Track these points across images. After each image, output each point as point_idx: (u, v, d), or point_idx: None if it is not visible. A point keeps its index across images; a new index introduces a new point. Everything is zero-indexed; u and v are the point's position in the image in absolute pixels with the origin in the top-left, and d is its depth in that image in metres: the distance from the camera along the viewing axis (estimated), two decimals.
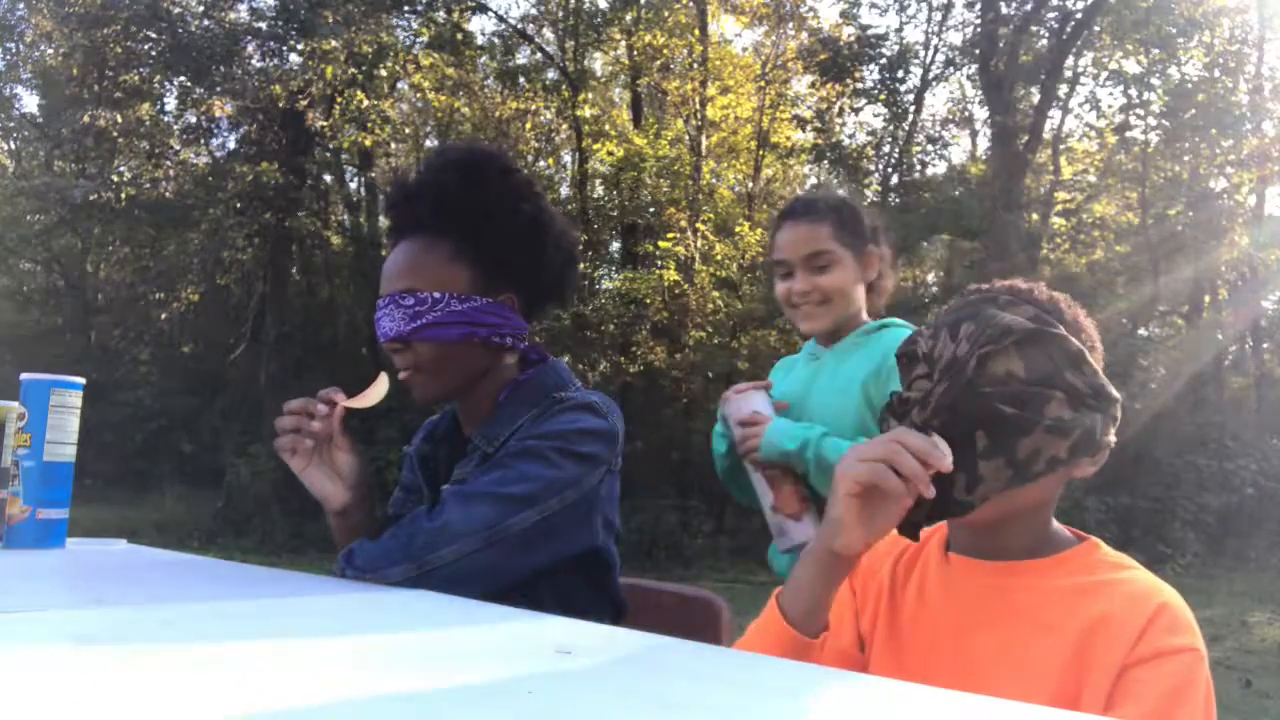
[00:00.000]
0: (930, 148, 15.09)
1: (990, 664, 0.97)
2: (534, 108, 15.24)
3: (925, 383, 0.99)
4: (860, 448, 0.95)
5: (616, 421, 1.30)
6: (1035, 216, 14.04)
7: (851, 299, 1.74)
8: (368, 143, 13.82)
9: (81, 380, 1.34)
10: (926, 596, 1.06)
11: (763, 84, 15.14)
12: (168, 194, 13.73)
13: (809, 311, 1.75)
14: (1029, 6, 13.18)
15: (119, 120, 12.57)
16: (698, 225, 13.78)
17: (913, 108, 14.72)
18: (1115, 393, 0.98)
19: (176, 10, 13.16)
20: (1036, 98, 13.59)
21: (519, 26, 15.36)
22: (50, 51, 15.91)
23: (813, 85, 14.70)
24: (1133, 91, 14.03)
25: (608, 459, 1.28)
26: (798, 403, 1.72)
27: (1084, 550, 1.02)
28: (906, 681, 1.01)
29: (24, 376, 1.28)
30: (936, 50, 14.82)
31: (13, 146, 20.09)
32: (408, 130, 16.35)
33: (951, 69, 14.99)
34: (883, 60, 14.14)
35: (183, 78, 13.32)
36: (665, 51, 14.71)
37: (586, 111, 14.67)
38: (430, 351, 1.27)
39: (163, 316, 15.78)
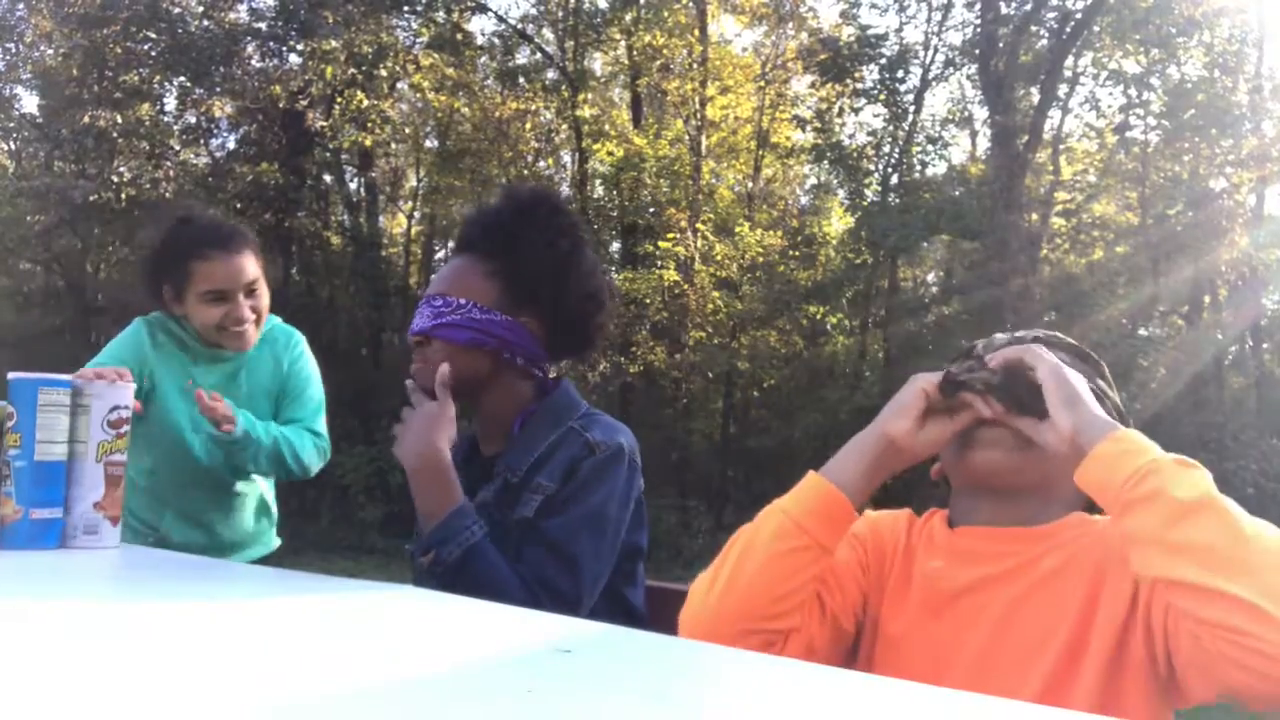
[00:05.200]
0: (930, 148, 15.04)
1: (1004, 618, 1.04)
2: (534, 108, 15.24)
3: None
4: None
5: (637, 455, 1.43)
6: (1035, 216, 14.01)
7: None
8: (368, 143, 13.82)
9: (70, 379, 1.33)
10: (934, 562, 1.13)
11: (762, 84, 15.14)
12: (168, 194, 13.71)
13: (249, 331, 2.00)
14: (1029, 6, 13.16)
15: (119, 120, 12.57)
16: (698, 225, 13.78)
17: (912, 108, 14.70)
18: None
19: (176, 11, 13.16)
20: (1036, 98, 13.57)
21: (519, 27, 15.36)
22: (50, 52, 15.89)
23: (813, 85, 14.68)
24: (1132, 91, 14.01)
25: (639, 494, 1.43)
26: (219, 394, 1.93)
27: (1076, 518, 1.11)
28: (924, 636, 1.08)
29: (11, 376, 1.28)
30: (936, 50, 14.80)
31: (13, 147, 20.06)
32: (408, 130, 16.33)
33: (951, 69, 14.97)
34: (882, 60, 14.11)
35: (183, 78, 13.32)
36: (665, 52, 14.70)
37: (586, 112, 14.66)
38: (441, 349, 1.39)
39: None
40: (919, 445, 1.08)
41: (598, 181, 15.55)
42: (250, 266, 1.99)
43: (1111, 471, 0.93)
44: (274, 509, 2.24)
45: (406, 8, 14.24)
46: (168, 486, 2.04)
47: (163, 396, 2.01)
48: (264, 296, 2.02)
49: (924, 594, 1.10)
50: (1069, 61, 13.82)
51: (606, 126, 15.11)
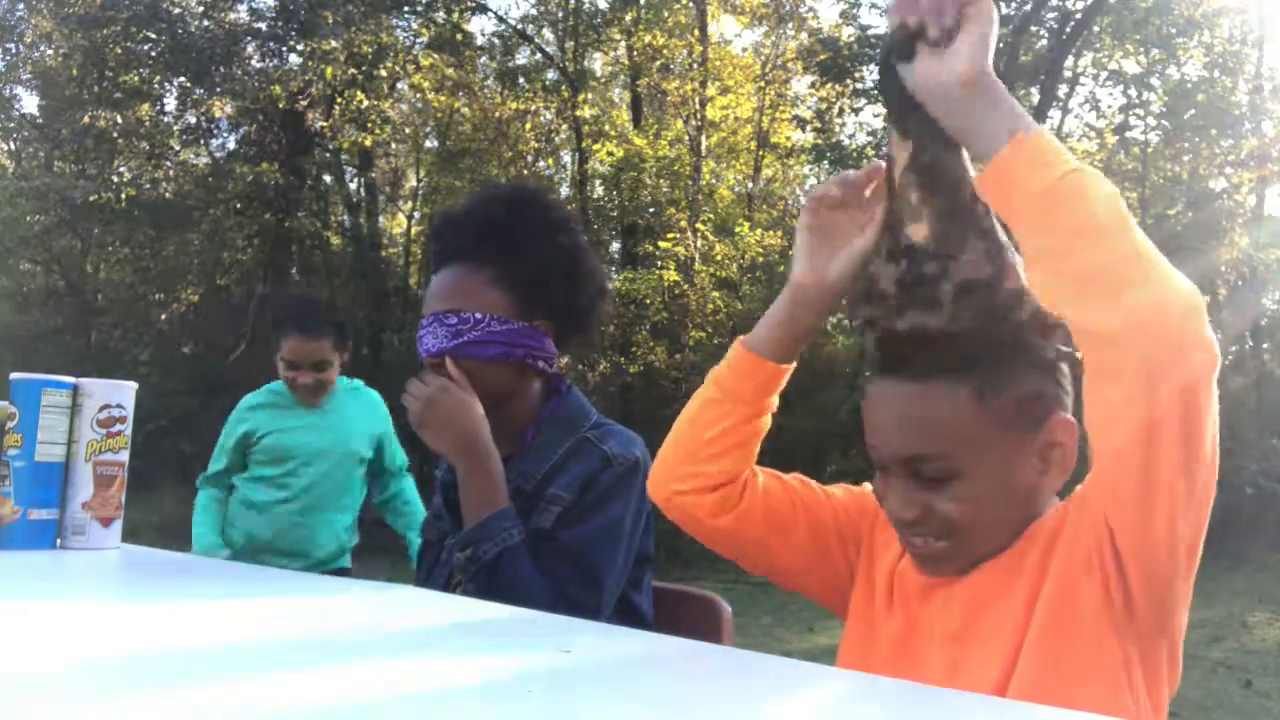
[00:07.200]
0: None
1: (971, 601, 0.99)
2: (534, 108, 15.24)
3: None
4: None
5: (649, 468, 1.41)
6: None
7: (336, 375, 2.77)
8: (368, 143, 13.83)
9: (71, 380, 1.33)
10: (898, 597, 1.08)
11: (763, 84, 15.14)
12: (168, 194, 13.73)
13: (310, 396, 2.73)
14: (1029, 7, 13.17)
15: (119, 121, 12.59)
16: (698, 225, 13.78)
17: None
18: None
19: (176, 11, 13.18)
20: (1036, 98, 13.56)
21: (519, 27, 15.36)
22: (50, 52, 15.90)
23: (813, 85, 14.68)
24: (1132, 91, 14.01)
25: (649, 504, 1.42)
26: (306, 438, 2.72)
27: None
28: (907, 679, 1.05)
29: (14, 376, 1.28)
30: None
31: (13, 147, 20.06)
32: (408, 130, 16.34)
33: None
34: None
35: (183, 78, 13.33)
36: (665, 52, 14.70)
37: (586, 112, 14.66)
38: (468, 367, 1.35)
39: (163, 317, 15.79)
40: (829, 278, 1.06)
41: (598, 181, 15.55)
42: (322, 349, 2.67)
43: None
44: (354, 535, 2.90)
45: (406, 8, 14.24)
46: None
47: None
48: (330, 372, 2.71)
49: (899, 586, 1.10)
50: (1069, 62, 13.82)
51: (606, 126, 15.11)
